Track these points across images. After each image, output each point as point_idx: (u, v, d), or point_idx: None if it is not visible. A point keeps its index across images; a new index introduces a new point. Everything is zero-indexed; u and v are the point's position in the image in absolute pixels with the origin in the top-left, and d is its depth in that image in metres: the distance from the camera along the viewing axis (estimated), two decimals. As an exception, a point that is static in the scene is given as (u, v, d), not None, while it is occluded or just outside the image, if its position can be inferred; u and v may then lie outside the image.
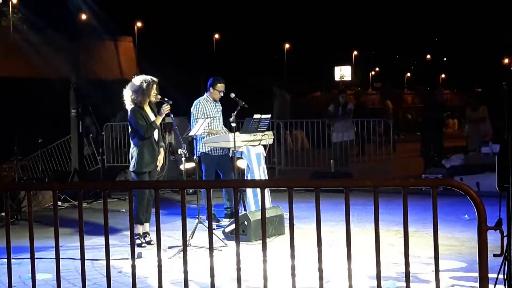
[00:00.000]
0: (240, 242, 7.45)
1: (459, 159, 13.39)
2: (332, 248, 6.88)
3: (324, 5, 46.17)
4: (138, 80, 7.76)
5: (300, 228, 8.16)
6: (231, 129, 8.45)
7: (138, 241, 7.70)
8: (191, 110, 9.20)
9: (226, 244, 7.56)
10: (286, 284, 5.22)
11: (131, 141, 7.91)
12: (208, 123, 8.79)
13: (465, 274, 6.08)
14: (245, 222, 7.79)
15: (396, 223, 8.34)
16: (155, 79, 7.83)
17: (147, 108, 7.83)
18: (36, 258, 6.62)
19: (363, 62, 59.58)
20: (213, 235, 7.42)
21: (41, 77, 21.03)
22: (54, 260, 4.15)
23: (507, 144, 4.18)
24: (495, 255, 3.87)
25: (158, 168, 7.99)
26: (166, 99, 7.77)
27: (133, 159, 7.78)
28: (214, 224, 8.78)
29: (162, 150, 8.03)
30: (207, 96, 9.21)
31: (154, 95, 7.77)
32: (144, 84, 7.70)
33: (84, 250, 4.01)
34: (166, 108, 7.67)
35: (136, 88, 7.72)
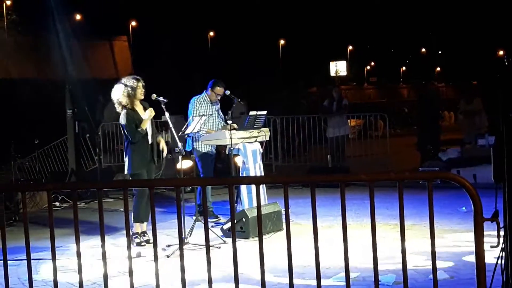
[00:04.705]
0: (239, 239, 7.48)
1: (455, 151, 13.41)
2: (330, 243, 6.91)
3: (319, 1, 46.15)
4: (122, 84, 7.74)
5: (299, 224, 8.17)
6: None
7: (137, 240, 7.71)
8: (188, 107, 9.24)
9: (224, 241, 7.57)
10: (284, 279, 5.24)
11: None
12: (204, 122, 8.82)
13: (462, 266, 6.11)
14: (243, 219, 7.81)
15: (393, 217, 8.36)
16: (138, 78, 7.82)
17: (139, 108, 7.82)
18: (36, 259, 6.67)
19: (359, 56, 59.62)
20: (212, 232, 7.48)
21: (36, 78, 21.03)
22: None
23: (502, 136, 4.19)
24: (492, 247, 3.89)
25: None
26: (161, 98, 7.77)
27: (126, 162, 7.81)
28: (212, 222, 8.81)
29: (160, 137, 8.05)
30: (205, 96, 9.26)
31: (141, 93, 7.77)
32: (130, 88, 7.68)
33: (80, 250, 4.02)
34: (150, 113, 7.69)
35: (123, 92, 7.69)
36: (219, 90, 9.21)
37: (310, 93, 37.44)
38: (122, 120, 7.71)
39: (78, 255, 4.01)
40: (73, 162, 13.14)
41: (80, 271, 4.01)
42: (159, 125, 12.10)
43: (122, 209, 10.20)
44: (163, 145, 7.99)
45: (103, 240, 4.00)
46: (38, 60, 21.16)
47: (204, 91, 9.31)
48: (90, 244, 7.64)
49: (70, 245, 7.47)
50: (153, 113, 7.74)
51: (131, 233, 7.68)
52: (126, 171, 7.88)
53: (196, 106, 9.14)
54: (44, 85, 19.54)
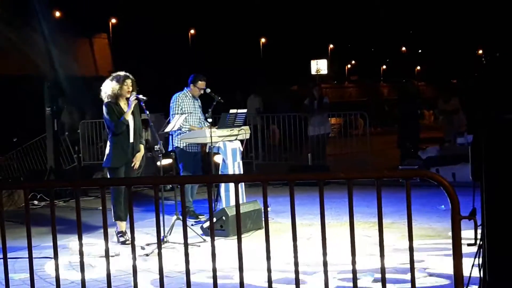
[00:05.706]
0: (219, 238, 7.47)
1: (435, 150, 13.48)
2: (310, 241, 6.92)
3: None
4: (111, 78, 7.74)
5: (279, 223, 8.16)
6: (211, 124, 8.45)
7: (122, 239, 7.65)
8: (170, 104, 9.18)
9: (204, 240, 7.54)
10: (263, 277, 5.25)
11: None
12: (185, 119, 8.78)
13: (440, 264, 6.14)
14: (223, 217, 7.79)
15: (373, 215, 8.35)
16: (128, 75, 7.79)
17: (123, 103, 7.78)
18: (14, 258, 6.60)
19: (339, 55, 59.85)
20: (192, 230, 7.46)
21: (15, 74, 20.84)
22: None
23: (479, 134, 4.22)
24: (469, 245, 3.91)
25: (136, 165, 7.90)
26: (141, 95, 7.72)
27: (105, 155, 7.78)
28: (192, 220, 8.78)
29: (142, 146, 7.96)
30: (186, 92, 9.20)
31: (127, 91, 7.72)
32: (116, 83, 7.67)
33: (57, 248, 3.99)
34: (133, 101, 7.65)
35: (109, 87, 7.69)
36: (201, 84, 9.15)
37: (291, 91, 37.53)
38: (104, 111, 7.70)
39: (55, 254, 3.98)
40: (51, 160, 13.03)
41: (57, 270, 3.98)
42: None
43: (100, 208, 10.18)
44: (139, 156, 7.87)
45: (80, 239, 3.97)
46: (17, 56, 20.94)
47: (185, 88, 9.25)
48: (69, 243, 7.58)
49: (48, 244, 7.40)
50: (135, 101, 7.68)
51: (116, 231, 7.68)
52: (103, 163, 7.85)
53: (178, 102, 9.08)
54: (22, 82, 19.36)
